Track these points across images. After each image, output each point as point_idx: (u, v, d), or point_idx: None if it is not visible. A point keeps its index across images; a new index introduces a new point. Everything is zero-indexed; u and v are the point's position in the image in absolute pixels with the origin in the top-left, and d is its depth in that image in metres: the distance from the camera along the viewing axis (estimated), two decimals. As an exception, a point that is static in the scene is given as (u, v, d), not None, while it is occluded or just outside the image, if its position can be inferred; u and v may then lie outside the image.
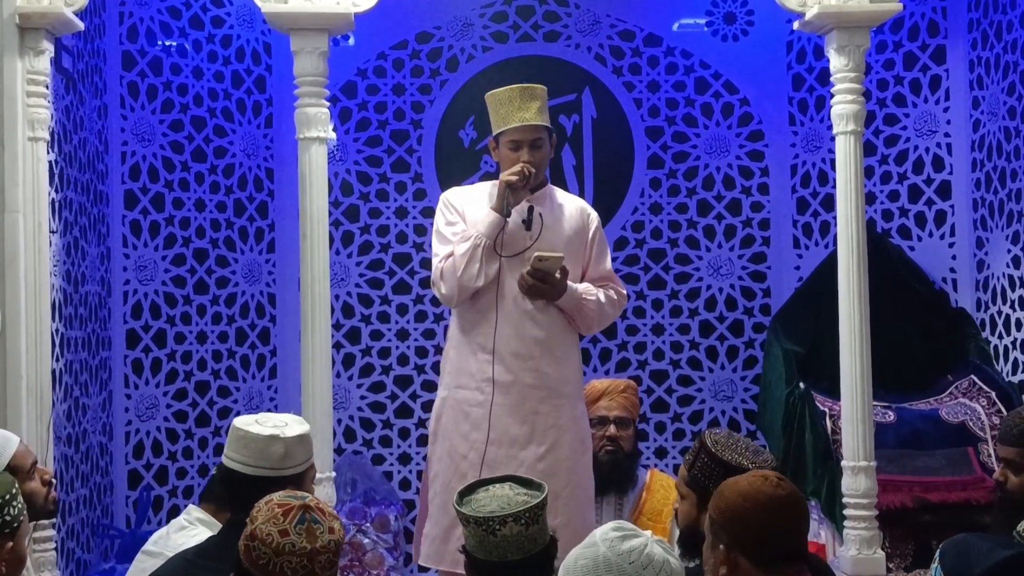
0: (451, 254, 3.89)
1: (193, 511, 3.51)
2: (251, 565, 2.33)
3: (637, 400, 4.51)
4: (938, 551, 2.49)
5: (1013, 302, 5.08)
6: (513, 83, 4.07)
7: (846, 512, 4.30)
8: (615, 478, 4.32)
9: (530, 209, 3.90)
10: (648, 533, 2.46)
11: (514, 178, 3.84)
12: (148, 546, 3.29)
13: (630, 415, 4.38)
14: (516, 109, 3.93)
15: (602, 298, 4.01)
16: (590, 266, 4.07)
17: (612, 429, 4.30)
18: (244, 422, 2.94)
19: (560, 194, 4.14)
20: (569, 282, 3.92)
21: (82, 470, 4.87)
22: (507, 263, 3.89)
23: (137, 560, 3.27)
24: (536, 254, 3.83)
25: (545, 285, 3.87)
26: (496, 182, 3.95)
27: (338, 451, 5.49)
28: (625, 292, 4.16)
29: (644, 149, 5.94)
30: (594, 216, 4.13)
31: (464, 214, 3.99)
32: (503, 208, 3.85)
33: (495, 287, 3.89)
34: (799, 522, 2.53)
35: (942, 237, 5.56)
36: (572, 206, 4.10)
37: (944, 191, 5.55)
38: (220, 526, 3.18)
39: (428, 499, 4.05)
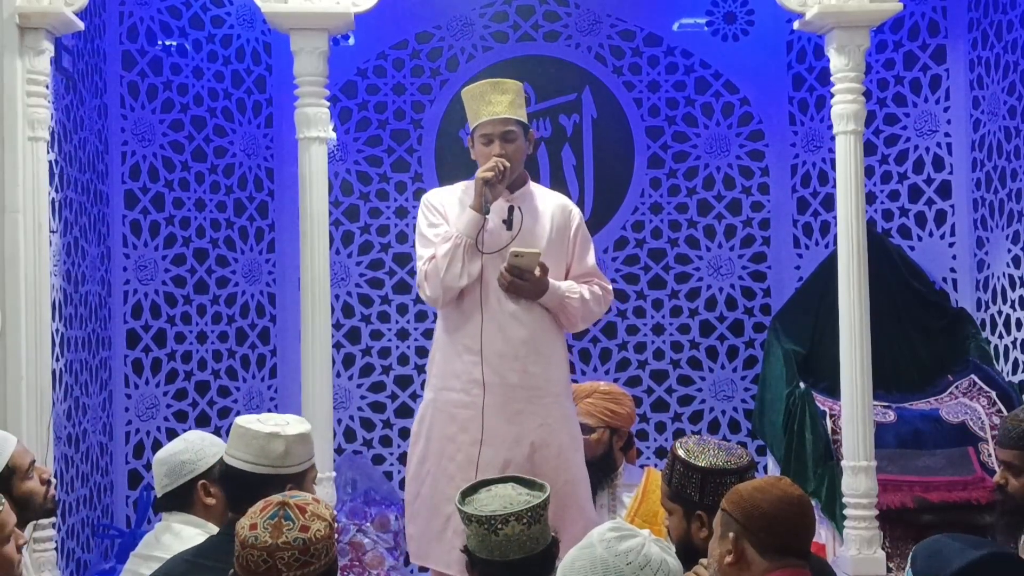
0: (434, 256, 3.88)
1: (171, 518, 3.48)
2: (234, 557, 2.36)
3: (612, 406, 4.27)
4: (911, 554, 2.51)
5: (1013, 302, 5.08)
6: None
7: (846, 512, 4.30)
8: None
9: (510, 208, 3.89)
10: (646, 532, 2.46)
11: (489, 174, 3.83)
12: (139, 549, 3.29)
13: (594, 421, 4.20)
14: (486, 104, 3.91)
15: (586, 295, 3.99)
16: (573, 262, 4.05)
17: None
18: (246, 420, 2.95)
19: (541, 191, 4.13)
20: (551, 280, 3.91)
21: (82, 470, 4.87)
22: (490, 263, 3.87)
23: (129, 563, 3.27)
24: (512, 250, 3.82)
25: (524, 282, 3.86)
26: (474, 180, 3.93)
27: (338, 451, 5.50)
28: (611, 287, 4.12)
29: (644, 149, 5.94)
30: (576, 212, 4.11)
31: (446, 215, 3.97)
32: (481, 205, 3.83)
33: (479, 288, 3.87)
34: (807, 521, 2.58)
35: (942, 237, 5.56)
36: (553, 203, 4.08)
37: (944, 191, 5.55)
38: (200, 522, 3.20)
39: (407, 500, 4.02)
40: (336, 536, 2.44)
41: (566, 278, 4.01)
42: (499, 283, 3.87)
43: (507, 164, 3.85)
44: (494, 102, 3.91)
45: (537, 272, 3.85)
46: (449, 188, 4.13)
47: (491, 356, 3.85)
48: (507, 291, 3.87)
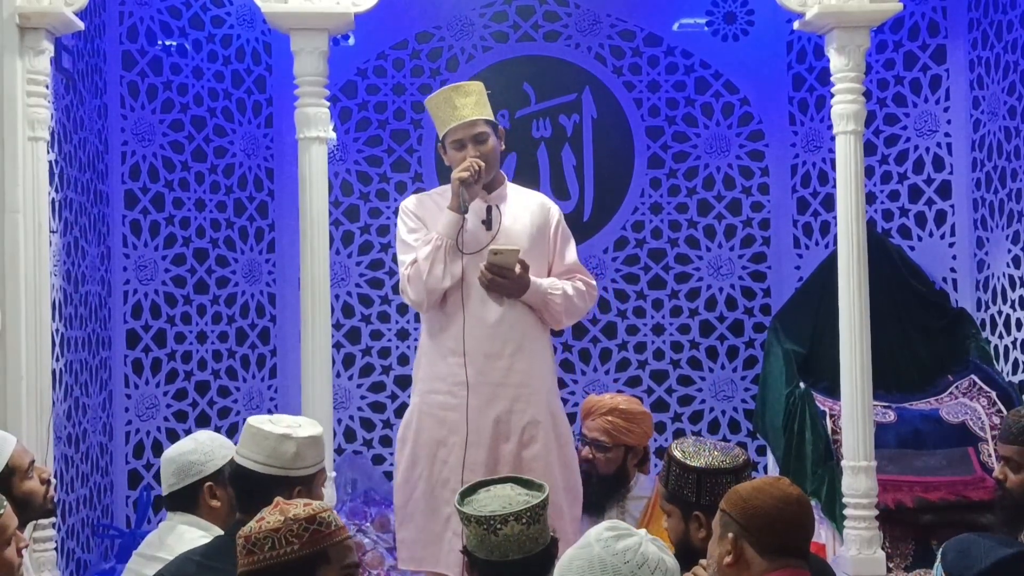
0: (415, 260, 3.90)
1: (175, 518, 3.47)
2: None
3: (630, 426, 4.17)
4: (940, 550, 2.52)
5: (1013, 302, 5.08)
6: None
7: (846, 512, 4.30)
8: (585, 499, 4.13)
9: (489, 209, 3.92)
10: (643, 532, 2.46)
11: (465, 174, 3.85)
12: (142, 549, 3.28)
13: (609, 440, 4.14)
14: (452, 109, 3.94)
15: (569, 290, 4.00)
16: (555, 259, 4.07)
17: (586, 451, 4.17)
18: (258, 420, 2.95)
19: (519, 191, 4.14)
20: (534, 277, 3.92)
21: (82, 470, 4.87)
22: (472, 264, 3.88)
23: (132, 562, 3.26)
24: (491, 247, 3.85)
25: (505, 280, 3.87)
26: (451, 182, 3.93)
27: (338, 451, 5.50)
28: (595, 282, 4.14)
29: (644, 149, 5.94)
30: (555, 210, 4.13)
31: (424, 220, 4.00)
32: (459, 205, 3.85)
33: (460, 289, 3.89)
34: (806, 520, 2.59)
35: (942, 237, 5.56)
36: (533, 202, 4.10)
37: (944, 191, 5.55)
38: (204, 524, 3.19)
39: (398, 505, 4.02)
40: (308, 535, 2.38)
41: (549, 276, 4.02)
42: (480, 281, 3.89)
43: (482, 164, 3.88)
44: (459, 106, 3.93)
45: (517, 269, 3.87)
46: (426, 194, 4.18)
47: (476, 356, 3.87)
48: (488, 289, 3.89)
